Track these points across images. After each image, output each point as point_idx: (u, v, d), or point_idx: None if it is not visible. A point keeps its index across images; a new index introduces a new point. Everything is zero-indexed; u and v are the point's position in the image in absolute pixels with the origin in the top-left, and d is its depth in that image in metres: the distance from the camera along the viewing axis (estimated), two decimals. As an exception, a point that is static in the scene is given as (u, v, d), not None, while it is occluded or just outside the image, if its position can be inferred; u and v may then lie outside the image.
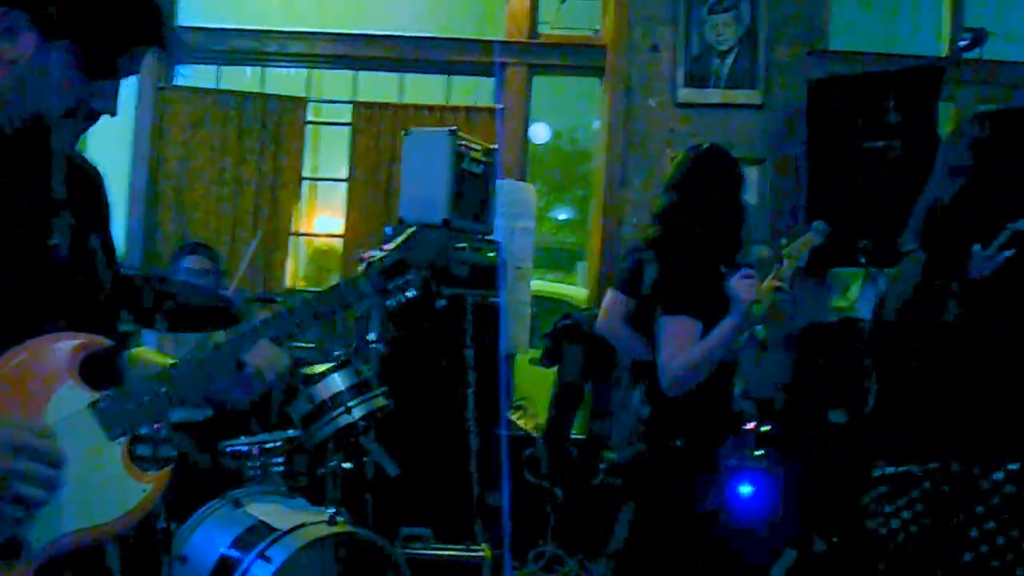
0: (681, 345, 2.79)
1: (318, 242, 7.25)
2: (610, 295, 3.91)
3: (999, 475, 1.96)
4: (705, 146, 3.17)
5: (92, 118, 1.57)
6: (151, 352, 1.79)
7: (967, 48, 4.77)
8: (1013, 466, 1.95)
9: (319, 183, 6.45)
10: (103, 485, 1.50)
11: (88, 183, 1.71)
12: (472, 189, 4.71)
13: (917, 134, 4.65)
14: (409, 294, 1.88)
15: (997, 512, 1.96)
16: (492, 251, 4.73)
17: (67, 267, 1.56)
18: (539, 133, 7.82)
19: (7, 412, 1.44)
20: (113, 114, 1.57)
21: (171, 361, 1.64)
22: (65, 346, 1.51)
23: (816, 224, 4.28)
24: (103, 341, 1.56)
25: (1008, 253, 2.03)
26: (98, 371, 1.56)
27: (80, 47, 1.48)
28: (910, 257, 2.25)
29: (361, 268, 1.85)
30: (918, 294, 2.13)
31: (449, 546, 3.98)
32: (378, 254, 3.82)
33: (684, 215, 3.04)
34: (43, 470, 1.40)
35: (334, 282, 1.85)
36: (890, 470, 2.11)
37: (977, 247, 2.05)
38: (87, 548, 1.51)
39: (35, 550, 1.42)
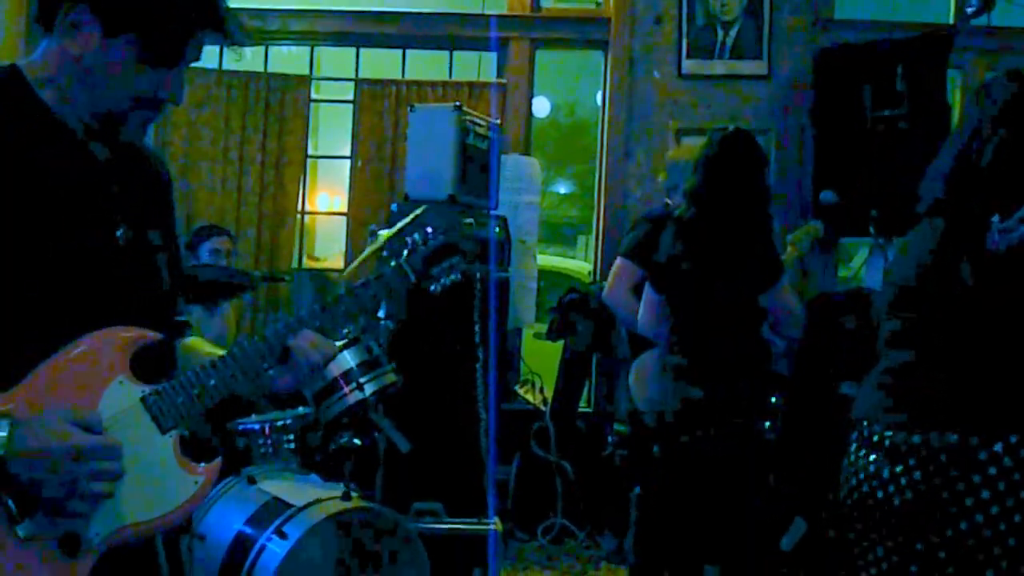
0: (795, 303, 3.35)
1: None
2: (619, 264, 3.93)
3: (998, 446, 1.96)
4: (732, 128, 3.30)
5: (158, 108, 1.57)
6: (204, 343, 1.77)
7: (975, 14, 4.73)
8: (1013, 438, 1.95)
9: (321, 161, 6.43)
10: (157, 478, 1.52)
11: (153, 173, 1.72)
12: (477, 164, 4.70)
13: (925, 103, 4.63)
14: (453, 278, 1.84)
15: (993, 483, 1.96)
16: (498, 226, 4.72)
17: (131, 258, 1.56)
18: (539, 107, 7.79)
19: (64, 406, 1.44)
20: (178, 103, 1.57)
21: (221, 353, 1.63)
22: (117, 340, 1.51)
23: (824, 194, 4.30)
24: (154, 334, 1.56)
25: None
26: (150, 364, 1.56)
27: (143, 38, 1.47)
28: (926, 222, 2.21)
29: (404, 254, 1.81)
30: (936, 260, 2.11)
31: (460, 520, 3.99)
32: (386, 232, 3.83)
33: (717, 194, 3.18)
34: (107, 465, 1.42)
35: (379, 271, 1.80)
36: (888, 434, 2.10)
37: (996, 218, 2.01)
38: (141, 540, 1.53)
39: (94, 544, 1.45)
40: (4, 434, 1.35)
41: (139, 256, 1.58)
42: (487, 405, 4.49)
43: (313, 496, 3.09)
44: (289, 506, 3.03)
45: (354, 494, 3.16)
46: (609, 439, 5.07)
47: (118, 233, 1.55)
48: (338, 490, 3.16)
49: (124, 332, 1.53)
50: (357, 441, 3.62)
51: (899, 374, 2.14)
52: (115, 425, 1.47)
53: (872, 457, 2.11)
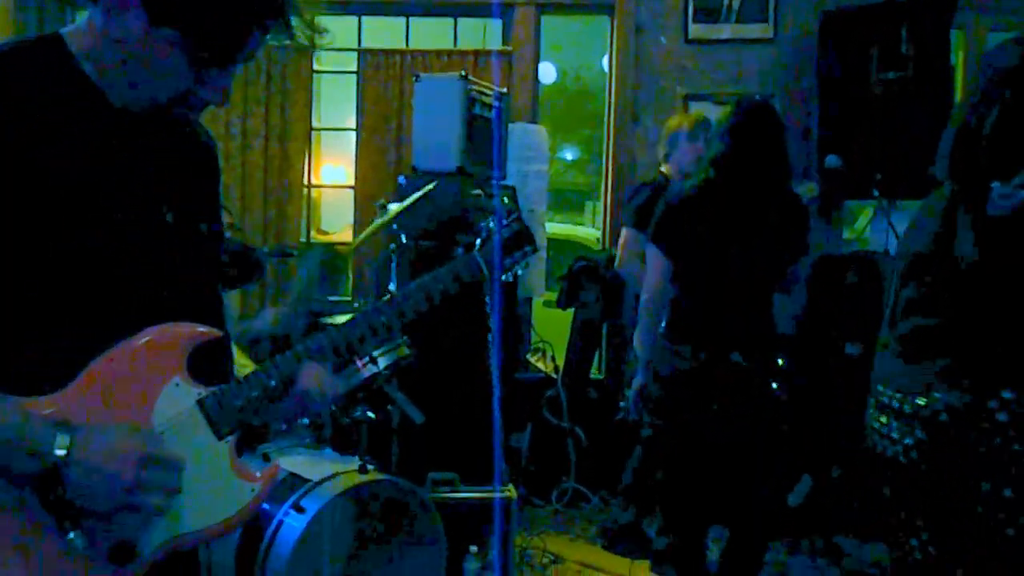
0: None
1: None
2: (626, 234, 3.94)
3: (993, 403, 2.00)
4: (756, 97, 3.40)
5: (199, 108, 1.47)
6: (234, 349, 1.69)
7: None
8: (1006, 393, 1.99)
9: (325, 133, 6.39)
10: (212, 486, 1.45)
11: (202, 154, 1.62)
12: (485, 134, 4.69)
13: (930, 64, 4.60)
14: (519, 270, 1.78)
15: (990, 439, 2.00)
16: (507, 196, 4.72)
17: (178, 241, 1.48)
18: (545, 73, 7.74)
19: (118, 411, 1.39)
20: (220, 104, 1.47)
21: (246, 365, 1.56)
22: (173, 338, 1.44)
23: (829, 158, 4.29)
24: (211, 331, 1.48)
25: None
26: (206, 363, 1.49)
27: (189, 34, 1.35)
28: (938, 189, 2.22)
29: (477, 243, 1.73)
30: (943, 227, 2.11)
31: (475, 488, 4.02)
32: (396, 206, 3.83)
33: (742, 161, 3.20)
34: (166, 479, 1.35)
35: (455, 258, 1.72)
36: (898, 396, 2.14)
37: (996, 184, 2.02)
38: (194, 548, 1.49)
39: (147, 555, 1.40)
40: (66, 442, 1.30)
41: (186, 239, 1.50)
42: (499, 375, 4.51)
43: (329, 470, 3.12)
44: (306, 481, 3.05)
45: (370, 467, 3.19)
46: (621, 404, 5.10)
47: (166, 216, 1.46)
48: (354, 464, 3.19)
49: (181, 329, 1.45)
50: (371, 414, 3.65)
51: (909, 340, 2.17)
52: (171, 430, 1.41)
53: (884, 419, 2.17)
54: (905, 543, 2.15)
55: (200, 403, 1.45)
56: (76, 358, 1.37)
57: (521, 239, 1.76)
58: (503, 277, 1.75)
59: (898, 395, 2.14)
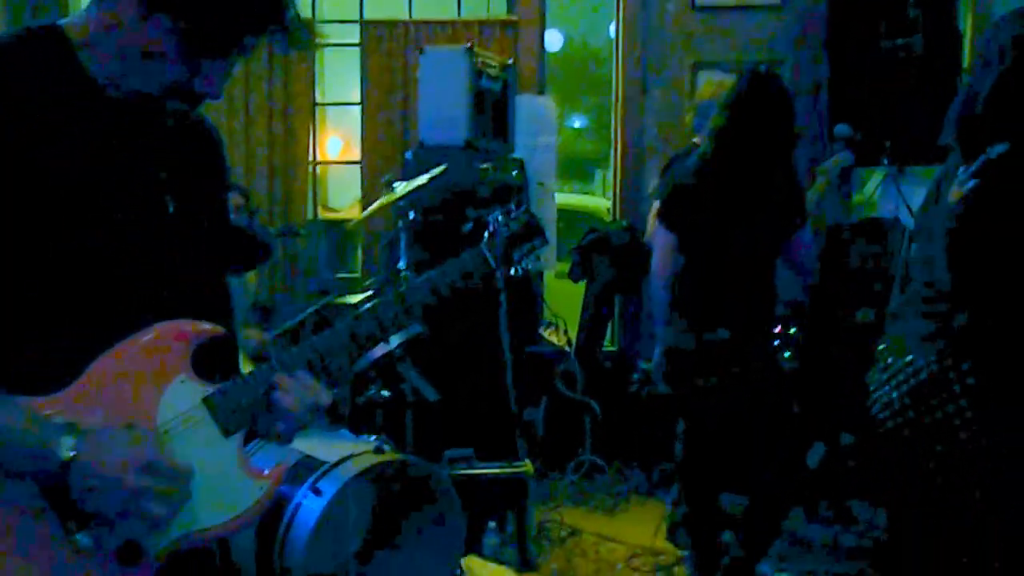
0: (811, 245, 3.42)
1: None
2: (655, 208, 3.91)
3: (965, 365, 2.08)
4: (762, 68, 3.29)
5: (193, 100, 1.42)
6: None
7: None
8: (966, 365, 2.09)
9: (331, 108, 6.35)
10: (220, 485, 1.42)
11: (205, 147, 1.58)
12: (492, 107, 4.65)
13: (937, 30, 4.55)
14: (531, 260, 1.71)
15: (957, 400, 2.10)
16: (516, 169, 4.68)
17: (181, 234, 1.45)
18: (552, 41, 7.68)
19: (123, 409, 1.37)
20: (216, 98, 1.42)
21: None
22: (178, 335, 1.42)
23: (838, 127, 4.25)
24: (216, 327, 1.45)
25: (973, 183, 2.05)
26: (210, 359, 1.46)
27: (183, 23, 1.32)
28: (948, 159, 2.25)
29: (484, 236, 1.67)
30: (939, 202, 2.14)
31: (492, 464, 4.03)
32: (403, 185, 3.80)
33: (741, 135, 3.16)
34: (171, 489, 1.33)
35: (467, 252, 1.65)
36: (890, 360, 2.24)
37: (962, 168, 2.09)
38: (203, 547, 1.47)
39: (154, 554, 1.38)
40: (71, 443, 1.28)
41: (189, 233, 1.47)
42: (512, 350, 4.51)
43: (345, 452, 3.11)
44: (322, 463, 3.05)
45: (386, 447, 3.18)
46: (634, 376, 5.10)
47: (168, 209, 1.43)
48: (369, 444, 3.19)
49: (185, 326, 1.43)
50: (385, 393, 3.65)
51: (906, 304, 2.27)
52: (177, 428, 1.39)
53: (883, 379, 2.27)
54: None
55: (206, 400, 1.43)
56: (79, 356, 1.35)
57: (531, 231, 1.69)
58: (511, 271, 1.69)
59: (890, 359, 2.24)
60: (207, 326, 1.44)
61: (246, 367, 1.58)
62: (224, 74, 1.40)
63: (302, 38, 1.42)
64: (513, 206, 1.73)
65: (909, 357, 2.16)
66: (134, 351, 1.38)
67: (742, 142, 3.16)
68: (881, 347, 2.30)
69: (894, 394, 2.19)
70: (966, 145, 2.13)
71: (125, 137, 1.41)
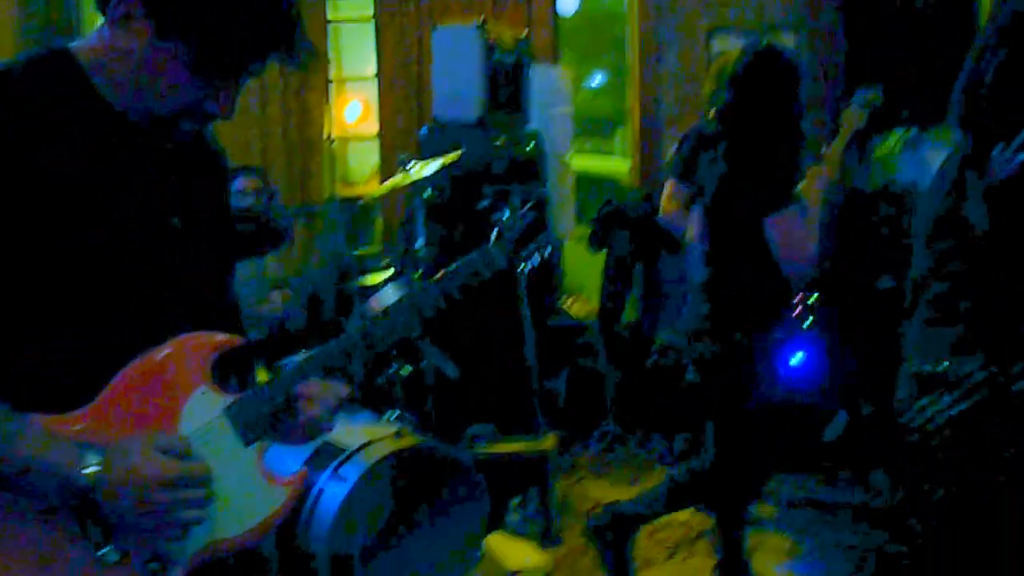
0: (802, 236, 3.00)
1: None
2: (669, 185, 3.89)
3: (971, 366, 1.98)
4: (764, 43, 3.19)
5: (204, 120, 1.46)
6: None
7: None
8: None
9: (350, 84, 6.32)
10: (242, 493, 1.45)
11: (210, 161, 1.61)
12: (505, 81, 4.63)
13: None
14: (535, 261, 1.75)
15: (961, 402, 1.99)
16: (532, 141, 4.67)
17: (187, 250, 1.48)
18: (566, 4, 7.60)
19: (143, 423, 1.39)
20: (228, 118, 1.44)
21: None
22: (198, 347, 1.44)
23: (857, 96, 4.17)
24: (235, 338, 1.48)
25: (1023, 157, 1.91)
26: (229, 370, 1.50)
27: (196, 47, 1.35)
28: (957, 141, 2.17)
29: (493, 235, 1.70)
30: (955, 190, 2.06)
31: (514, 438, 4.05)
32: (418, 165, 3.79)
33: (745, 114, 3.07)
34: (195, 493, 1.36)
35: (476, 253, 1.68)
36: (926, 368, 2.11)
37: (998, 149, 1.93)
38: (226, 555, 1.49)
39: (180, 565, 1.40)
40: (95, 460, 1.31)
41: (195, 247, 1.49)
42: (532, 323, 4.52)
43: (366, 437, 3.12)
44: (343, 448, 3.07)
45: (408, 430, 3.20)
46: (653, 347, 5.10)
47: (174, 225, 1.46)
48: (391, 428, 3.21)
49: (204, 338, 1.45)
50: (406, 370, 3.68)
51: (930, 306, 2.15)
52: (198, 439, 1.41)
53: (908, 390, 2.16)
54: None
55: (227, 411, 1.45)
56: (94, 371, 1.38)
57: (538, 226, 1.74)
58: (520, 267, 1.73)
59: (926, 366, 2.11)
60: (224, 337, 1.47)
61: (261, 376, 1.62)
62: (232, 95, 1.43)
63: (310, 59, 1.44)
64: (518, 203, 1.75)
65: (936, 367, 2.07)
66: (154, 365, 1.41)
67: (743, 121, 3.08)
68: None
69: (937, 419, 2.06)
70: (971, 129, 2.03)
71: (133, 154, 1.43)
